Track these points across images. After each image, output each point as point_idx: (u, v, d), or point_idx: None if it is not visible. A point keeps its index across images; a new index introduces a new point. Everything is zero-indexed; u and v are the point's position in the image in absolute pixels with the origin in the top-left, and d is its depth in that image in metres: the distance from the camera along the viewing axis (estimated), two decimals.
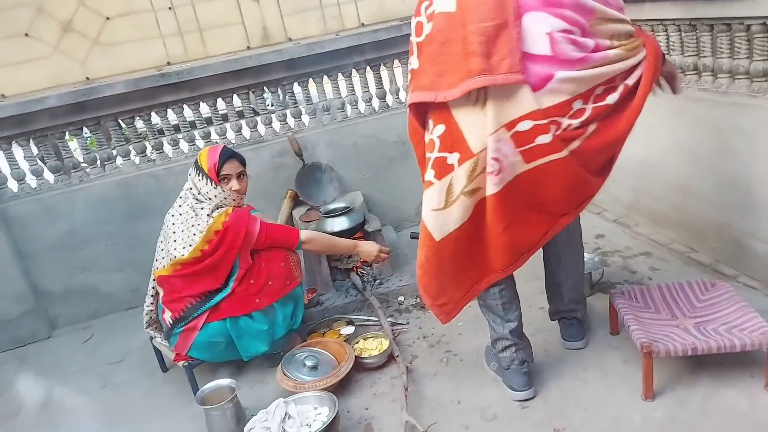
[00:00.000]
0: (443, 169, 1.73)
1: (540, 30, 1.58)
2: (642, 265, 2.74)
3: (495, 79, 1.58)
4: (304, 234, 2.45)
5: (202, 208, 2.30)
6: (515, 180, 1.70)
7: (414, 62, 1.76)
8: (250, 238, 2.28)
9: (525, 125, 1.63)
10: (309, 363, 2.24)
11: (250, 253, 2.31)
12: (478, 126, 1.65)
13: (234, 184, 2.34)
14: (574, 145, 1.67)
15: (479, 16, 1.58)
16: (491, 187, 1.70)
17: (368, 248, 2.59)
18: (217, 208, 2.29)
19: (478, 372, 2.20)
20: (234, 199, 2.35)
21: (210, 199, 2.31)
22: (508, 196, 1.71)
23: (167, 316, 2.35)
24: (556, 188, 1.74)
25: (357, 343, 2.44)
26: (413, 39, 1.75)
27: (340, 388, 2.20)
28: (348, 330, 2.58)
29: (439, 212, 1.77)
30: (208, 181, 2.30)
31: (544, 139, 1.64)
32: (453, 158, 1.71)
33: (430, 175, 1.76)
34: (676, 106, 2.62)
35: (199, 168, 2.33)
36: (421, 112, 1.81)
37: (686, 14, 2.48)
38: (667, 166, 2.79)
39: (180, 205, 2.36)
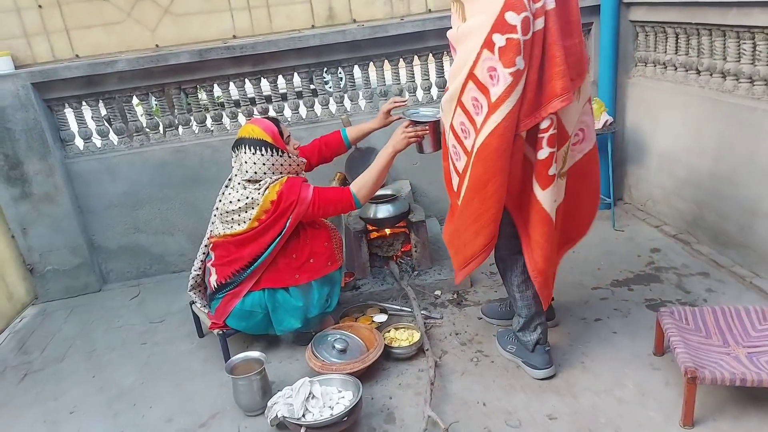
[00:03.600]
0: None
1: None
2: (698, 286, 2.58)
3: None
4: (353, 187, 2.32)
5: (254, 189, 2.27)
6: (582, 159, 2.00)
7: (520, 63, 1.64)
8: (303, 203, 2.25)
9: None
10: (338, 346, 2.24)
11: (297, 225, 2.31)
12: (573, 113, 1.85)
13: (293, 142, 2.39)
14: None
15: (576, 16, 1.79)
16: (569, 161, 1.94)
17: (395, 140, 2.28)
18: (274, 180, 2.27)
19: (508, 376, 2.14)
20: (299, 165, 2.36)
21: (280, 170, 2.27)
22: (577, 170, 1.99)
23: (213, 280, 2.41)
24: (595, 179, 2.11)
25: (388, 331, 2.42)
26: (519, 37, 1.61)
27: (366, 375, 2.19)
28: (381, 318, 2.56)
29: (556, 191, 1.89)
30: (275, 151, 2.27)
31: None
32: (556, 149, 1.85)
33: (554, 170, 1.83)
34: (755, 120, 2.43)
35: (265, 145, 2.25)
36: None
37: None
38: (737, 183, 2.60)
39: (239, 183, 2.33)
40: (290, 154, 2.32)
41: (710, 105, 2.71)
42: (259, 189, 2.26)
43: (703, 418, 1.80)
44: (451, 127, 1.91)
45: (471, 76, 1.74)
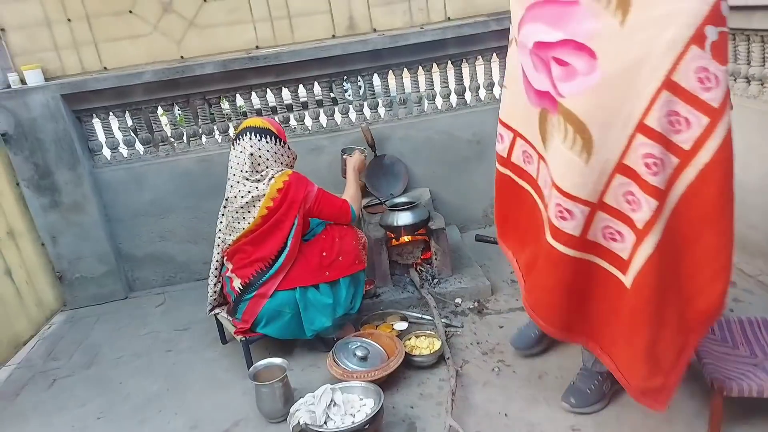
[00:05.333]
0: None
1: None
2: None
3: None
4: (347, 198, 2.57)
5: (259, 180, 2.36)
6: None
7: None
8: (309, 196, 2.38)
9: None
10: (359, 353, 2.26)
11: (321, 222, 2.47)
12: None
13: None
14: None
15: None
16: None
17: (354, 162, 2.78)
18: (279, 171, 2.38)
19: (531, 387, 2.12)
20: (294, 158, 2.53)
21: (280, 160, 2.42)
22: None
23: (236, 284, 2.44)
24: None
25: (409, 339, 2.42)
26: (727, 28, 1.39)
27: (387, 383, 2.19)
28: (401, 325, 2.57)
29: None
30: (278, 140, 2.41)
31: None
32: None
33: None
34: None
35: (270, 134, 2.39)
36: None
37: None
38: (765, 192, 2.55)
39: (238, 181, 2.39)
40: (289, 146, 2.47)
41: (735, 111, 2.66)
42: (262, 180, 2.35)
43: (729, 431, 1.76)
44: (622, 166, 1.44)
45: (668, 84, 1.33)
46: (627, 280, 1.55)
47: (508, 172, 1.97)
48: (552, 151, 1.60)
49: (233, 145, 2.43)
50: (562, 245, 1.62)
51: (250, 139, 2.37)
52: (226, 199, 2.46)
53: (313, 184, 2.44)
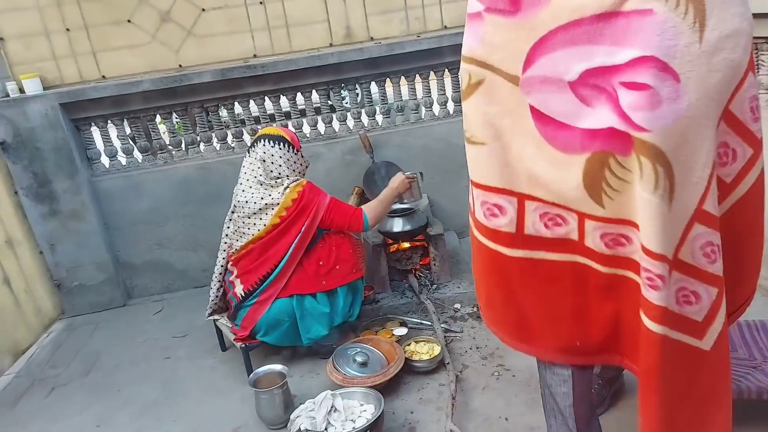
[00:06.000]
0: None
1: None
2: None
3: None
4: (365, 208, 2.53)
5: (272, 186, 2.38)
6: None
7: None
8: (321, 206, 2.39)
9: None
10: (359, 359, 2.26)
11: (318, 231, 2.44)
12: None
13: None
14: None
15: None
16: None
17: (398, 184, 2.65)
18: (294, 181, 2.40)
19: (530, 391, 2.13)
20: (306, 166, 2.53)
21: (293, 167, 2.43)
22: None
23: (239, 290, 2.45)
24: None
25: (408, 345, 2.43)
26: None
27: (387, 388, 2.20)
28: (401, 331, 2.58)
29: None
30: (291, 148, 2.43)
31: None
32: None
33: None
34: None
35: (284, 141, 2.42)
36: None
37: None
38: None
39: (251, 186, 2.42)
40: (302, 155, 2.49)
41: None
42: (276, 188, 2.37)
43: None
44: (702, 213, 1.19)
45: (725, 114, 1.18)
46: (706, 344, 1.27)
47: (521, 253, 1.37)
48: (625, 206, 1.21)
49: (248, 153, 2.47)
50: (657, 324, 1.22)
51: (264, 145, 2.41)
52: (234, 205, 2.48)
53: (326, 194, 2.44)
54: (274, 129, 2.49)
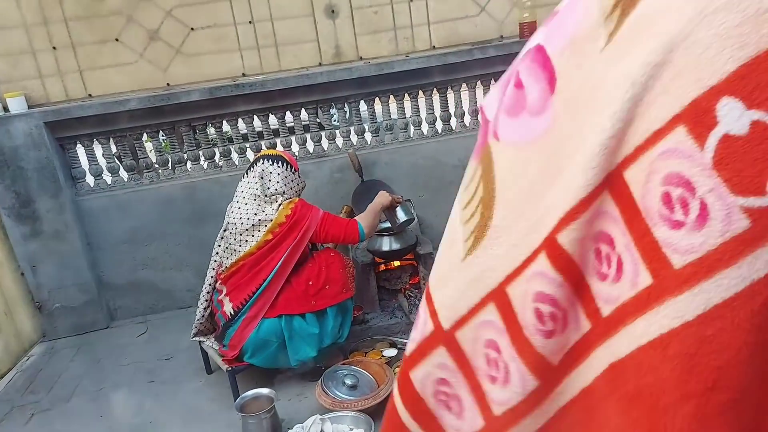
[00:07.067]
0: None
1: None
2: None
3: None
4: (360, 220, 2.53)
5: (267, 202, 2.38)
6: None
7: None
8: (312, 221, 2.38)
9: None
10: (348, 381, 2.22)
11: (309, 250, 2.45)
12: None
13: None
14: None
15: None
16: None
17: (383, 198, 2.66)
18: (287, 198, 2.40)
19: None
20: (303, 187, 2.55)
21: (290, 186, 2.43)
22: None
23: (228, 309, 2.41)
24: None
25: (398, 366, 2.38)
26: None
27: (377, 411, 2.15)
28: (390, 352, 2.54)
29: None
30: (290, 168, 2.46)
31: None
32: None
33: None
34: None
35: (282, 161, 2.45)
36: None
37: None
38: None
39: (246, 203, 2.41)
40: (300, 175, 2.51)
41: None
42: (271, 204, 2.37)
43: None
44: (501, 293, 0.73)
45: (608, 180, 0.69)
46: None
47: None
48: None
49: (246, 173, 2.47)
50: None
51: (263, 163, 2.44)
52: (227, 223, 2.46)
53: (319, 209, 2.45)
54: (273, 150, 2.55)
